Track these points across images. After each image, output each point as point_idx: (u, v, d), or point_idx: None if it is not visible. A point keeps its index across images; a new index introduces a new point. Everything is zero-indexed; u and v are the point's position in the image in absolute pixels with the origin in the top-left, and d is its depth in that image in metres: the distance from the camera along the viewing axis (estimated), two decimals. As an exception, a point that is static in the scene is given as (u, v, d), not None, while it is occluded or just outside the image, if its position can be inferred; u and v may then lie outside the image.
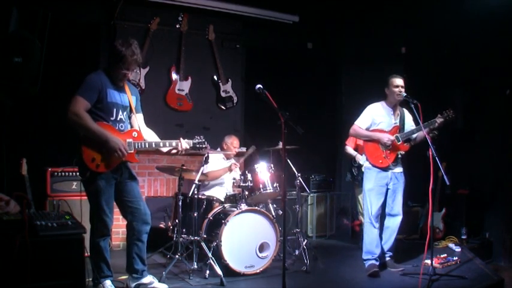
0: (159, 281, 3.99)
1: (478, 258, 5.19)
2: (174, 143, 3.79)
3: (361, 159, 5.72)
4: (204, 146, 3.92)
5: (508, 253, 5.75)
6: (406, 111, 4.79)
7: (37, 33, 3.17)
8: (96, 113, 3.51)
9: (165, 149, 3.91)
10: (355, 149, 5.87)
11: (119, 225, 5.58)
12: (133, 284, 3.82)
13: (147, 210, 3.81)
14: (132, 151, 3.62)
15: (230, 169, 5.45)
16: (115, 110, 3.61)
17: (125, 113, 3.70)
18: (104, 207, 3.56)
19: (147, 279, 3.85)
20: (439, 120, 4.53)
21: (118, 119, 3.64)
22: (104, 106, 3.54)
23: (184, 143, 3.79)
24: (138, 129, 3.77)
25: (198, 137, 3.92)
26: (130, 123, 3.80)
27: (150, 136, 3.87)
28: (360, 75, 7.01)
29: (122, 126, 3.66)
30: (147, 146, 3.71)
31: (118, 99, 3.64)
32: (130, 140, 3.62)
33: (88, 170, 3.48)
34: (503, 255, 5.79)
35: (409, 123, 4.77)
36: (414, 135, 4.68)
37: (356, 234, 6.20)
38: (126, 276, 4.04)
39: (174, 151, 3.83)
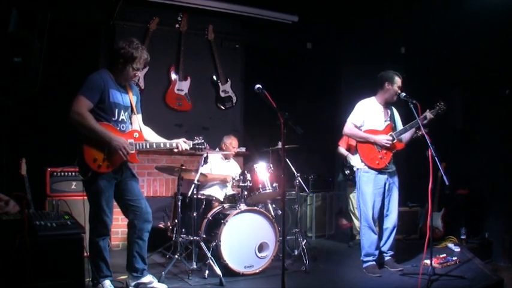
0: (159, 281, 3.99)
1: (478, 258, 5.19)
2: (174, 143, 3.82)
3: (352, 159, 5.74)
4: (203, 146, 3.96)
5: (508, 253, 5.76)
6: (394, 110, 4.79)
7: (37, 33, 3.17)
8: (98, 113, 3.51)
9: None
10: (347, 149, 5.92)
11: (118, 225, 5.58)
12: (133, 283, 3.83)
13: (148, 208, 3.82)
14: (134, 152, 3.63)
15: (224, 180, 5.48)
16: (117, 110, 3.61)
17: (126, 113, 3.71)
18: (104, 207, 3.57)
19: (147, 278, 3.85)
20: (429, 115, 4.51)
21: (120, 119, 3.64)
22: (106, 106, 3.54)
23: (184, 144, 3.83)
24: (138, 129, 3.79)
25: (198, 138, 3.96)
26: (131, 123, 3.81)
27: (150, 135, 3.90)
28: (360, 75, 6.99)
29: (123, 127, 3.67)
30: (148, 146, 3.73)
31: (120, 99, 3.64)
32: (132, 140, 3.63)
33: (90, 170, 3.48)
34: (502, 255, 5.80)
35: (399, 122, 4.78)
36: (403, 134, 4.67)
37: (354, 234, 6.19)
38: (126, 276, 4.04)
39: (175, 150, 3.87)
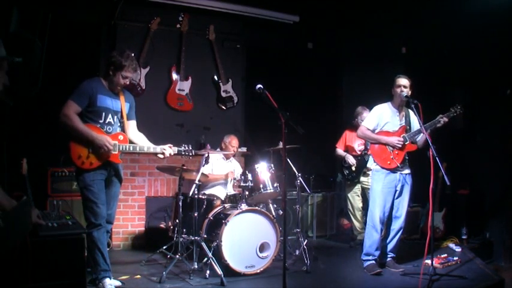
0: (160, 281, 4.05)
1: (479, 258, 5.18)
2: (158, 148, 3.97)
3: (350, 159, 5.79)
4: (190, 154, 4.12)
5: (509, 253, 5.74)
6: (411, 112, 4.79)
7: (37, 33, 3.18)
8: (86, 116, 3.76)
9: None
10: (345, 151, 5.94)
11: (119, 225, 5.60)
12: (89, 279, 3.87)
13: (113, 213, 4.01)
14: (116, 152, 3.81)
15: (226, 177, 5.48)
16: (104, 113, 3.82)
17: (115, 117, 3.90)
18: (93, 198, 3.73)
19: None
20: (442, 120, 4.52)
21: (106, 122, 3.84)
22: (94, 110, 3.77)
23: (169, 150, 3.96)
24: (126, 134, 3.95)
25: (185, 145, 4.12)
26: (121, 127, 3.97)
27: (142, 142, 4.04)
28: (360, 75, 7.01)
29: (109, 129, 3.85)
30: (131, 148, 3.90)
31: (109, 104, 3.84)
32: (116, 142, 3.80)
33: (74, 166, 3.74)
34: (503, 256, 5.78)
35: (416, 123, 4.76)
36: (418, 137, 4.67)
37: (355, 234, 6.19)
38: (127, 276, 4.05)
39: (160, 155, 3.99)
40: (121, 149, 3.82)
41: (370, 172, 5.24)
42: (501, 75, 5.86)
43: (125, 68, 3.79)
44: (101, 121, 3.80)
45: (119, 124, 3.95)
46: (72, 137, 3.70)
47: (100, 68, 5.69)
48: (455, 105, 4.58)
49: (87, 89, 3.75)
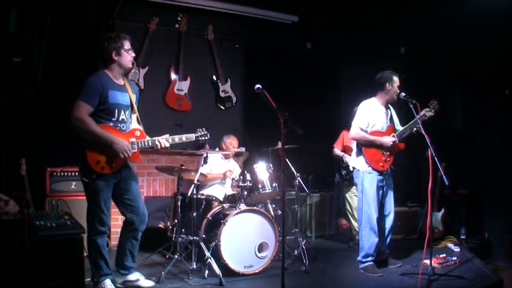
0: (158, 281, 4.03)
1: (477, 258, 5.19)
2: (176, 138, 3.84)
3: (352, 161, 5.75)
4: (207, 138, 4.01)
5: (507, 253, 5.75)
6: (392, 110, 4.80)
7: (36, 33, 3.18)
8: (98, 115, 3.54)
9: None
10: (343, 151, 5.94)
11: (118, 225, 5.55)
12: (121, 281, 3.86)
13: (145, 210, 3.87)
14: (136, 150, 3.66)
15: (225, 176, 5.47)
16: (117, 110, 3.64)
17: (127, 112, 3.73)
18: (102, 205, 3.60)
19: (134, 276, 3.90)
20: (428, 114, 4.52)
21: (120, 119, 3.67)
22: (106, 108, 3.57)
23: (165, 142, 3.79)
24: (139, 127, 3.81)
25: (200, 129, 4.02)
26: (131, 122, 3.84)
27: None
28: (359, 75, 7.00)
29: (123, 127, 3.70)
30: (150, 144, 3.74)
31: (120, 99, 3.67)
32: (134, 139, 3.67)
33: (94, 173, 3.53)
34: (502, 255, 5.79)
35: (397, 121, 4.80)
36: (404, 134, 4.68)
37: (353, 234, 6.20)
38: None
39: (156, 147, 3.81)
40: (140, 146, 3.66)
41: None
42: (500, 75, 5.87)
43: (123, 42, 3.60)
44: (114, 119, 3.61)
45: (130, 120, 3.80)
46: (86, 142, 3.49)
47: (99, 68, 5.69)
48: (431, 100, 4.59)
49: (97, 87, 3.51)
